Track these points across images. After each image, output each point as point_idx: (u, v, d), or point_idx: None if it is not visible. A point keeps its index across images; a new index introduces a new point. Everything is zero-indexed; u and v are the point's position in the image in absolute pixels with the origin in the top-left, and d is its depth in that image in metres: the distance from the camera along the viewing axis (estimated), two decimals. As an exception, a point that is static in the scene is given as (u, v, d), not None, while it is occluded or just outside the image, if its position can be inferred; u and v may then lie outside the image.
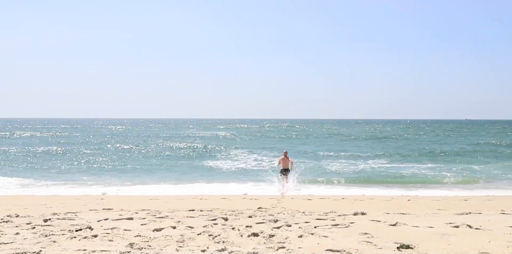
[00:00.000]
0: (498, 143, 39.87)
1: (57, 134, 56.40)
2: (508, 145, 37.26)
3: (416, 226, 6.03)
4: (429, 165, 23.04)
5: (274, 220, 6.61)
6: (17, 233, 5.52)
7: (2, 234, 5.49)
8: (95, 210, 8.73)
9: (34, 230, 5.76)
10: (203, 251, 4.73)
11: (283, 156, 14.50)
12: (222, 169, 21.59)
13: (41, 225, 6.14)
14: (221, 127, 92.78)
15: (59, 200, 11.02)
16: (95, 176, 18.55)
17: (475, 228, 5.87)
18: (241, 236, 5.45)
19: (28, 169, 20.81)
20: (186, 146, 35.61)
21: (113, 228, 5.94)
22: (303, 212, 8.20)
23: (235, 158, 26.97)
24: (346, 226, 6.08)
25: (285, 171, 14.29)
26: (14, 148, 32.16)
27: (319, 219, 6.77)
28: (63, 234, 5.46)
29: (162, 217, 7.05)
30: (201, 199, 11.73)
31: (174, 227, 6.02)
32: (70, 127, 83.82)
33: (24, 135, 52.92)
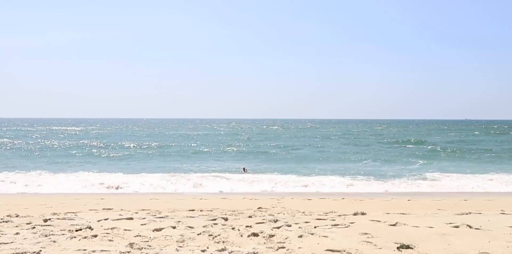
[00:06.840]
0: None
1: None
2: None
3: (416, 226, 6.03)
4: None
5: (274, 220, 6.62)
6: (17, 233, 5.52)
7: (2, 234, 5.50)
8: (95, 210, 8.73)
9: (34, 230, 5.76)
10: (203, 251, 4.73)
11: None
12: (224, 167, 21.57)
13: (41, 225, 6.14)
14: (204, 127, 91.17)
15: (59, 200, 11.02)
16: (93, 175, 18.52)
17: (475, 228, 5.87)
18: (241, 236, 5.45)
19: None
20: (183, 146, 35.62)
21: (113, 228, 5.94)
22: (303, 212, 8.20)
23: (236, 158, 26.95)
24: (346, 226, 6.09)
25: None
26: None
27: (319, 219, 6.77)
28: (63, 234, 5.47)
29: (162, 217, 7.05)
30: (201, 199, 11.74)
31: (174, 227, 6.02)
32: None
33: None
